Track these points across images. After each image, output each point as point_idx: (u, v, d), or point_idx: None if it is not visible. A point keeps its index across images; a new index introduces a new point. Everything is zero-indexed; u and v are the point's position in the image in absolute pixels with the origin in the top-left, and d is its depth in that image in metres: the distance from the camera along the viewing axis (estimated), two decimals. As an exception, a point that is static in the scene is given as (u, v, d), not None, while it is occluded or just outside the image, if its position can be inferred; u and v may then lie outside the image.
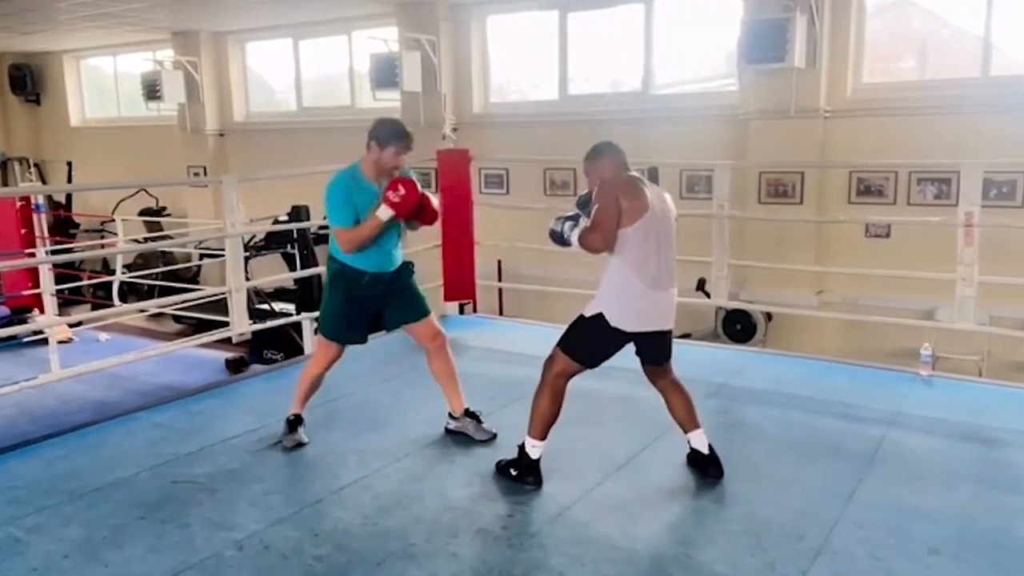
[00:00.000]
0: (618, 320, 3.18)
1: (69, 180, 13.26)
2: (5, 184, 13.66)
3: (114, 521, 3.08)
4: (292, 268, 8.91)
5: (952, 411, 4.15)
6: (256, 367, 7.23)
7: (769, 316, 7.38)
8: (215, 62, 11.45)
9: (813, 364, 5.09)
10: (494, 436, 3.78)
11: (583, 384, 3.70)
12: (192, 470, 3.53)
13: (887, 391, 4.45)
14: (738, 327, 7.52)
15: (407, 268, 3.84)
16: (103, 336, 8.00)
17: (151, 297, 9.73)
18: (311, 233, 9.12)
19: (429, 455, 3.69)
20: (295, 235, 8.89)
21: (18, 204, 8.17)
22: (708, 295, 6.49)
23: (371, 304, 3.73)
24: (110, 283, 8.78)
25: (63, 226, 12.07)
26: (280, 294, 9.74)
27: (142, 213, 11.29)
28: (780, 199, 7.47)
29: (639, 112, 8.32)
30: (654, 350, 3.37)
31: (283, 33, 10.90)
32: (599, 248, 3.17)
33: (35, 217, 8.34)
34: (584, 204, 3.29)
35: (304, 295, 8.74)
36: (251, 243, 9.39)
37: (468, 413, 3.88)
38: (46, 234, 8.77)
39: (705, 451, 3.42)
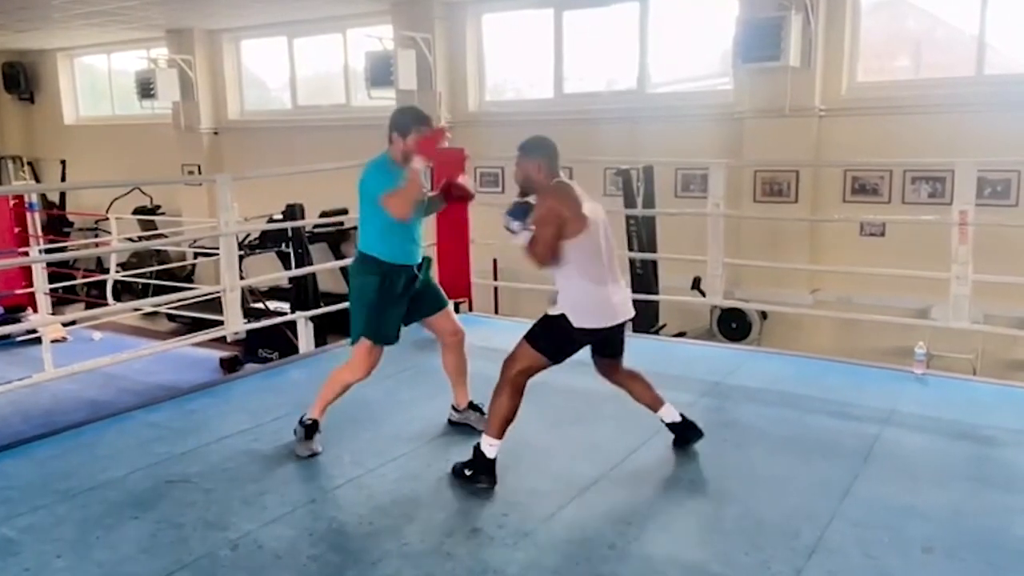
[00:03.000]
0: (581, 320, 3.27)
1: (63, 179, 13.23)
2: (-2, 183, 13.62)
3: (107, 521, 3.06)
4: (287, 267, 8.90)
5: (946, 409, 4.15)
6: (250, 366, 7.21)
7: (764, 315, 7.39)
8: (209, 60, 11.42)
9: (808, 362, 5.09)
10: None
11: (577, 383, 3.70)
12: (186, 469, 3.52)
13: (881, 389, 4.45)
14: (733, 326, 7.52)
15: (428, 262, 3.87)
16: (97, 335, 7.98)
17: (145, 296, 9.70)
18: (306, 232, 9.10)
19: (424, 454, 3.68)
20: (290, 234, 8.87)
21: (12, 203, 8.14)
22: (703, 293, 6.49)
23: (406, 300, 3.71)
24: (104, 282, 8.75)
25: (57, 225, 12.05)
26: (275, 293, 9.73)
27: (136, 212, 11.26)
28: (775, 198, 7.48)
29: (634, 111, 8.32)
30: (611, 344, 3.47)
31: (278, 31, 10.88)
32: (541, 264, 3.26)
33: (29, 216, 8.31)
34: (523, 210, 3.30)
35: (299, 294, 8.73)
36: (246, 242, 9.37)
37: (472, 406, 3.93)
38: (40, 233, 8.73)
39: (679, 419, 3.57)
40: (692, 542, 2.98)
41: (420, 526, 3.02)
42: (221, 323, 5.29)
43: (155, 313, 9.31)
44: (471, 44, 9.34)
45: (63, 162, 13.30)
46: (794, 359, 5.19)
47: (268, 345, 8.25)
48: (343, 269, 9.17)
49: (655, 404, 3.59)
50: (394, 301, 3.66)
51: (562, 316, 3.27)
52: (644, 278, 7.42)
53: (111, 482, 3.40)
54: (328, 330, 7.31)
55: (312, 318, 6.12)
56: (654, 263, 7.44)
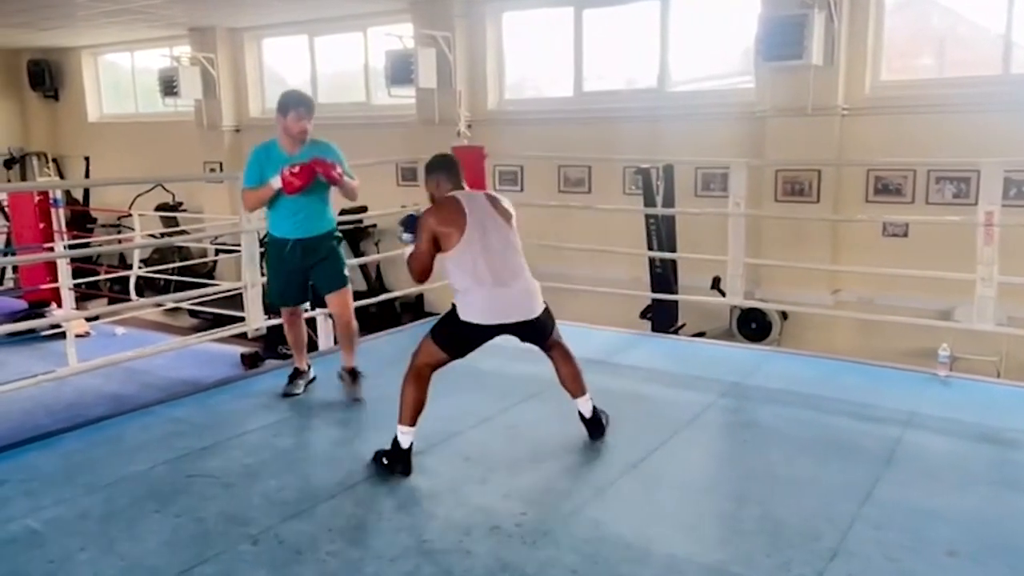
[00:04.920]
0: (468, 315, 3.37)
1: (87, 175, 13.36)
2: (23, 179, 13.79)
3: (130, 514, 3.10)
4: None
5: (969, 412, 4.11)
6: (271, 362, 7.24)
7: (784, 315, 7.34)
8: (231, 58, 11.50)
9: (828, 363, 5.05)
10: (357, 400, 4.22)
11: (595, 382, 3.69)
12: (207, 464, 3.55)
13: (903, 391, 4.41)
14: (753, 326, 7.48)
15: (334, 240, 4.25)
16: (120, 330, 8.03)
17: (167, 292, 9.77)
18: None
19: (443, 452, 3.69)
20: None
21: (36, 199, 8.22)
22: (723, 293, 6.46)
23: (299, 268, 4.14)
24: (127, 278, 8.82)
25: (80, 221, 12.17)
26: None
27: (158, 208, 11.35)
28: (796, 197, 7.43)
29: (654, 109, 8.29)
30: (530, 337, 3.57)
31: (299, 29, 10.93)
32: (416, 279, 3.46)
33: (53, 212, 8.38)
34: (406, 223, 3.49)
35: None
36: (266, 238, 9.41)
37: (351, 372, 4.29)
38: (64, 229, 8.82)
39: (588, 415, 3.66)
40: (711, 543, 2.97)
41: (439, 523, 3.03)
42: (242, 319, 5.32)
43: (177, 309, 9.38)
44: (491, 42, 9.34)
45: (87, 159, 13.44)
46: (815, 360, 5.16)
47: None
48: (362, 266, 9.22)
49: (575, 391, 3.65)
50: (280, 268, 4.17)
51: (453, 309, 3.41)
52: (664, 277, 7.40)
53: (134, 476, 3.43)
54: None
55: (331, 315, 6.14)
56: (674, 263, 7.42)
